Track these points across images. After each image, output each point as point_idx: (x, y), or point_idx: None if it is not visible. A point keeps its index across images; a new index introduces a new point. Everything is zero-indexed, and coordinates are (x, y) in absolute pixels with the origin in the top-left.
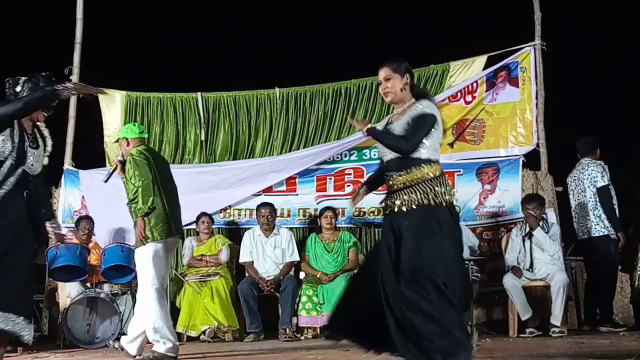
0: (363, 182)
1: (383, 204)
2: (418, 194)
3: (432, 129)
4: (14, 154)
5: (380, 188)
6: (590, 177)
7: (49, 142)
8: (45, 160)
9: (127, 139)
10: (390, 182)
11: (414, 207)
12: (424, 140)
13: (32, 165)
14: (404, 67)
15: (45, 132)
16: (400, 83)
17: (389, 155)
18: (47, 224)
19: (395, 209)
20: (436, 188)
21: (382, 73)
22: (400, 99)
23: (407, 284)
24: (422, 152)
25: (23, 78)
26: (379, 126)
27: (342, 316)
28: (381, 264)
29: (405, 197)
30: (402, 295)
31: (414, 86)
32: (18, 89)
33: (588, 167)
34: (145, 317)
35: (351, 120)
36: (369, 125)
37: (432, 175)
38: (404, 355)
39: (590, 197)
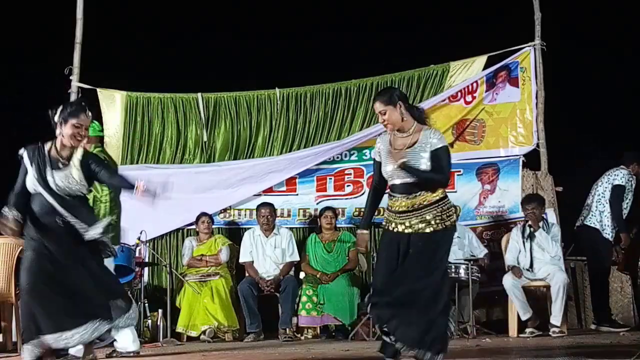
0: (362, 227)
1: (385, 219)
2: (419, 219)
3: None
4: (40, 182)
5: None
6: (611, 175)
7: (75, 161)
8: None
9: (90, 136)
10: (396, 203)
11: (417, 230)
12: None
13: (58, 184)
14: (395, 96)
15: (78, 153)
16: (396, 113)
17: (397, 179)
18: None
19: (399, 229)
20: (436, 213)
21: (376, 108)
22: (401, 126)
23: None
24: None
25: (60, 107)
26: (380, 145)
27: None
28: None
29: (410, 220)
30: None
31: (409, 107)
32: (56, 119)
33: (615, 170)
34: None
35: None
36: (403, 161)
37: (432, 200)
38: None
39: (602, 192)
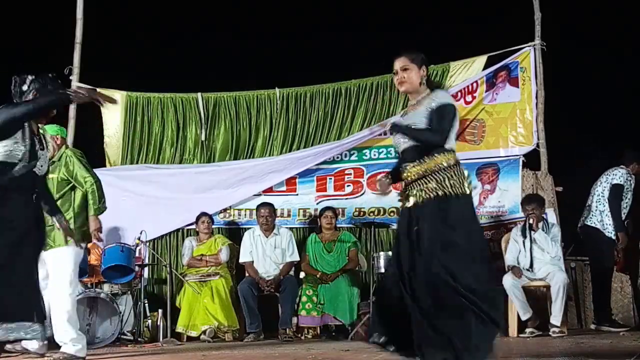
0: (388, 171)
1: (400, 197)
2: (433, 183)
3: (454, 119)
4: (27, 156)
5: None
6: (610, 174)
7: (50, 147)
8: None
9: (63, 138)
10: (405, 174)
11: (429, 197)
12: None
13: (41, 166)
14: (421, 58)
15: (47, 136)
16: (417, 74)
17: (403, 145)
18: (54, 219)
19: (410, 202)
20: (451, 177)
21: (399, 63)
22: (415, 90)
23: (419, 283)
24: None
25: (30, 77)
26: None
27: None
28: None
29: (420, 188)
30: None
31: (429, 79)
32: (24, 87)
33: (614, 170)
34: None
35: (379, 125)
36: (391, 121)
37: (445, 165)
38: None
39: (601, 192)
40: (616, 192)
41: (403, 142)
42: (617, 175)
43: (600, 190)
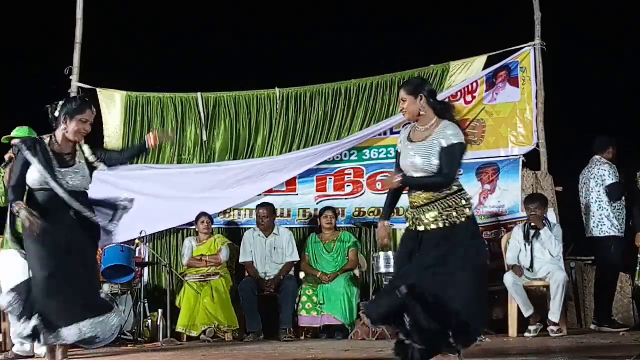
0: (382, 217)
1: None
2: (435, 212)
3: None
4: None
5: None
6: (597, 177)
7: (89, 158)
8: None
9: None
10: (412, 198)
11: (437, 227)
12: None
13: (70, 183)
14: (419, 89)
15: (86, 150)
16: (415, 105)
17: (414, 173)
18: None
19: (421, 228)
20: (452, 206)
21: (400, 94)
22: (419, 120)
23: None
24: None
25: (60, 103)
26: (402, 136)
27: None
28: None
29: (426, 215)
30: None
31: (434, 102)
32: (57, 114)
33: (596, 165)
34: None
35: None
36: (399, 178)
37: (446, 193)
38: None
39: (598, 197)
40: (615, 190)
41: (413, 171)
42: (605, 174)
43: (596, 196)
